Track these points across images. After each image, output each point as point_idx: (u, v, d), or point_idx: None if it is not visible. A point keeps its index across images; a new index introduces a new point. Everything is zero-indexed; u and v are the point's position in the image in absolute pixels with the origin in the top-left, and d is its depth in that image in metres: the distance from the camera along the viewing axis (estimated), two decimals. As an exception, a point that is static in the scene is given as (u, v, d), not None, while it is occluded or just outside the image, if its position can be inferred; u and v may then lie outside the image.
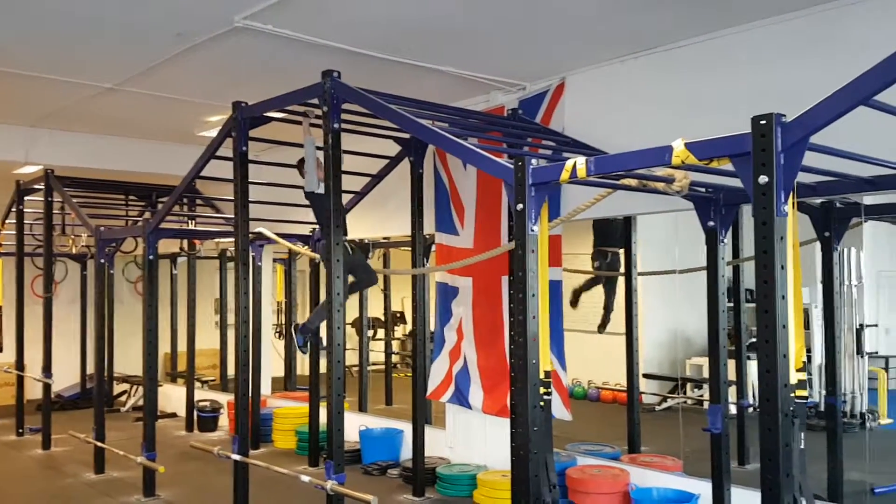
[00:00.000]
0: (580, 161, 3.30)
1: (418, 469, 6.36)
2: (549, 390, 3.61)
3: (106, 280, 8.88)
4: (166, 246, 9.35)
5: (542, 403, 3.56)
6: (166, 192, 9.73)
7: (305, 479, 4.81)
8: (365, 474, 7.03)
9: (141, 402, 10.95)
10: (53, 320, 8.68)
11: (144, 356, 6.54)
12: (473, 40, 5.39)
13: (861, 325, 6.50)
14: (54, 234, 8.76)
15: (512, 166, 3.52)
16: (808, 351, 7.29)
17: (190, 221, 8.83)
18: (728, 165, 2.96)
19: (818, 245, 5.24)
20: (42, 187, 8.51)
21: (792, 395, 2.76)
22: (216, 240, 9.45)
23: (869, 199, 5.00)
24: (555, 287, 5.83)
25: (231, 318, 11.05)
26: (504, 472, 6.17)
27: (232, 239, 8.76)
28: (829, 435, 5.32)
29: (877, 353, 7.07)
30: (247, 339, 5.39)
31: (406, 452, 7.33)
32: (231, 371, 11.15)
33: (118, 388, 11.32)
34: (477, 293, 6.59)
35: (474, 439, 6.79)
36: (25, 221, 9.16)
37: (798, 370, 2.81)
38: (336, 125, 4.67)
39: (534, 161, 3.50)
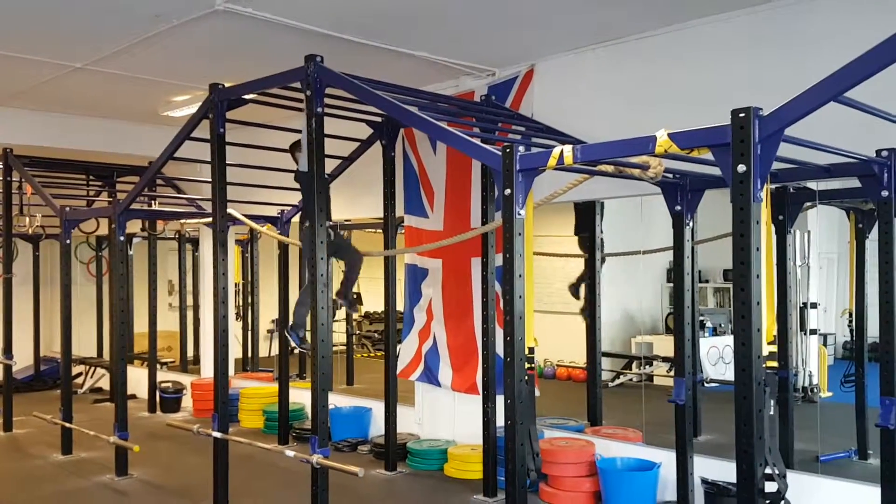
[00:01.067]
0: (567, 149, 3.50)
1: (391, 444, 6.54)
2: (533, 365, 3.83)
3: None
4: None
5: (526, 377, 3.78)
6: (126, 171, 9.64)
7: (290, 453, 4.94)
8: (336, 451, 7.17)
9: (99, 384, 10.93)
10: (3, 301, 8.56)
11: (115, 337, 6.55)
12: (445, 26, 5.53)
13: (805, 304, 6.89)
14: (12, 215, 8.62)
15: (500, 153, 3.69)
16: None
17: (152, 202, 8.77)
18: (707, 154, 3.18)
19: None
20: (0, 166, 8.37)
21: (764, 365, 3.02)
22: (181, 220, 9.41)
23: (821, 185, 5.32)
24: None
25: (190, 300, 11.12)
26: (473, 446, 6.41)
27: (195, 220, 8.86)
28: (780, 406, 5.68)
29: (817, 330, 7.49)
30: (225, 320, 5.46)
31: (374, 430, 7.51)
32: (191, 352, 11.21)
33: (74, 369, 11.17)
34: (447, 274, 6.77)
35: (443, 416, 7.00)
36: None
37: (769, 343, 3.07)
38: (319, 109, 4.77)
39: (521, 148, 3.68)
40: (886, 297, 3.98)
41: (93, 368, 11.05)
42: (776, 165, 4.15)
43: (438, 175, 6.80)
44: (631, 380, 9.07)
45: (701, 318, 8.18)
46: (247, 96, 5.50)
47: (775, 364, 3.11)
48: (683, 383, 4.83)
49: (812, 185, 5.29)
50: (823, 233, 6.96)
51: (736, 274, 2.98)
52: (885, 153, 3.97)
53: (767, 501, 3.05)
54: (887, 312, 3.97)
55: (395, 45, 5.85)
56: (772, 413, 3.09)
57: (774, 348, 3.11)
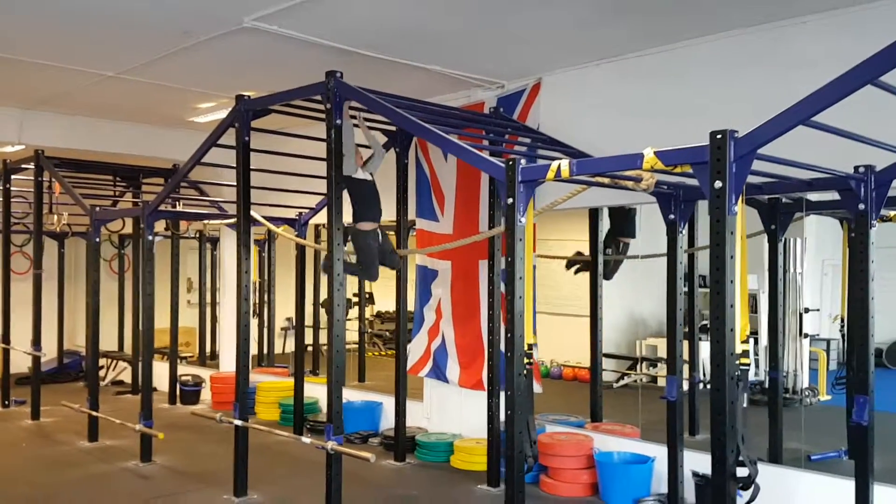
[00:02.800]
0: (564, 163, 3.84)
1: (400, 437, 6.89)
2: (532, 360, 4.17)
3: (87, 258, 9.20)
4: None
5: (525, 372, 4.12)
6: (151, 173, 10.05)
7: (306, 440, 5.30)
8: (348, 443, 7.51)
9: (120, 377, 11.34)
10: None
11: (142, 332, 6.94)
12: (457, 42, 5.87)
13: (805, 309, 7.15)
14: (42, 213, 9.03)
15: (503, 165, 4.04)
16: (755, 333, 7.92)
17: (176, 203, 9.15)
18: (689, 171, 3.51)
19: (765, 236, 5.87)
20: (29, 167, 8.78)
21: (737, 362, 3.34)
22: (204, 221, 9.80)
23: (812, 196, 5.61)
24: (530, 271, 6.35)
25: (209, 297, 11.52)
26: (478, 439, 6.74)
27: (218, 221, 9.24)
28: (770, 405, 5.97)
29: (818, 335, 7.72)
30: (247, 315, 5.83)
31: (384, 423, 7.86)
32: (209, 347, 11.61)
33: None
34: (455, 276, 7.12)
35: (450, 410, 7.34)
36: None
37: (742, 342, 3.39)
38: (338, 121, 5.13)
39: (522, 161, 4.02)
40: (861, 304, 4.28)
41: (115, 361, 11.47)
42: (763, 179, 4.49)
43: (449, 182, 7.14)
44: (635, 381, 9.36)
45: (705, 322, 8.38)
46: (270, 107, 5.85)
47: (748, 361, 3.41)
48: (675, 381, 5.14)
49: (811, 195, 5.55)
50: (830, 241, 7.20)
51: (712, 279, 3.30)
52: (861, 169, 4.27)
53: (740, 485, 3.36)
54: (861, 318, 4.27)
55: (411, 60, 6.20)
56: (745, 406, 3.40)
57: (748, 346, 3.42)
